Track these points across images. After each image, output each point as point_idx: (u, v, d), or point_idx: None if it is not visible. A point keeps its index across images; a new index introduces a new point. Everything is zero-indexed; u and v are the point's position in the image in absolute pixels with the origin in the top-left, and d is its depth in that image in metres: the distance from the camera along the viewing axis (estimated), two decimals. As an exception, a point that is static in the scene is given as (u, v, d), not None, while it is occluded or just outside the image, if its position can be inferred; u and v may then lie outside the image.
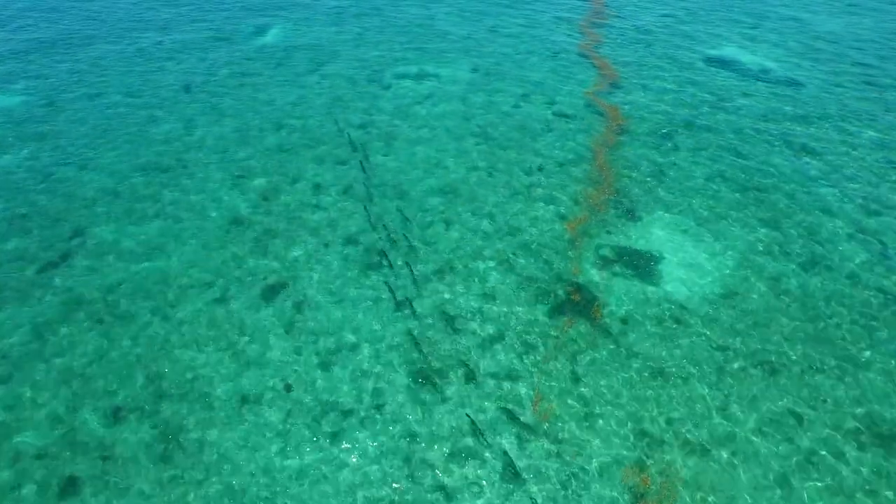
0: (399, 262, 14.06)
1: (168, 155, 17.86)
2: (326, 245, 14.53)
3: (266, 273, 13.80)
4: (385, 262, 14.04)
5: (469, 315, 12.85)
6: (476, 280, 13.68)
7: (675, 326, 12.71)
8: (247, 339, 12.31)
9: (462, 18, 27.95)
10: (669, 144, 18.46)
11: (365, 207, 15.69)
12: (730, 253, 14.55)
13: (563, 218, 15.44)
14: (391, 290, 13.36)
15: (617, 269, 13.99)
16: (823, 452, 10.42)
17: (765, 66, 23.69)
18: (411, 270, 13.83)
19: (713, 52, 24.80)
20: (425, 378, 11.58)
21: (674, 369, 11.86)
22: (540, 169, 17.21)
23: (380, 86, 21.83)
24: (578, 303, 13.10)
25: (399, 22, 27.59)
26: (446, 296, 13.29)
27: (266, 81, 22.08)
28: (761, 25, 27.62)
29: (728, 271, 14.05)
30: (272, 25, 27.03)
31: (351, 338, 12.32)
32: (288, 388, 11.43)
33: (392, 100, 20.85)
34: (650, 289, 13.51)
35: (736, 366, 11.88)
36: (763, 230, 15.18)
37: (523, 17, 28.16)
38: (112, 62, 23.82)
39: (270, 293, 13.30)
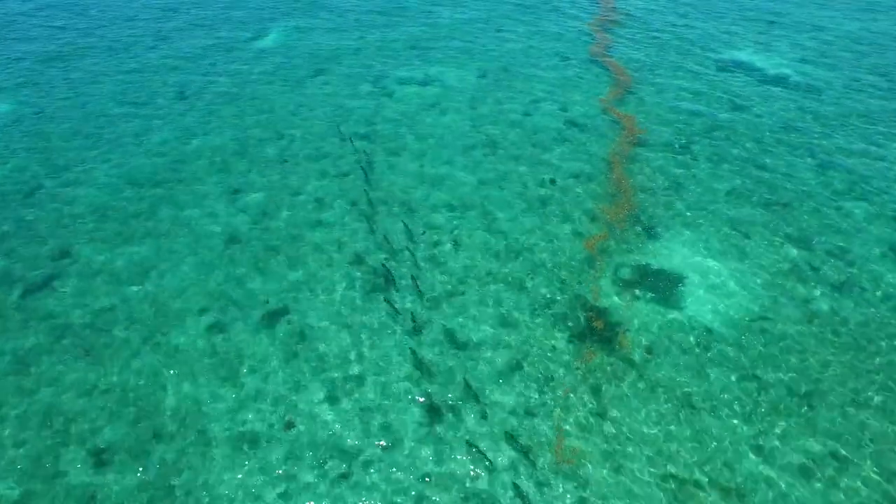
0: (406, 284, 13.23)
1: (162, 167, 17.02)
2: (330, 265, 13.69)
3: (266, 296, 12.97)
4: (392, 284, 13.21)
5: (482, 343, 12.02)
6: (489, 304, 12.86)
7: (702, 354, 11.89)
8: (245, 369, 11.48)
9: (467, 20, 27.11)
10: (688, 155, 17.64)
11: (370, 224, 14.87)
12: (756, 273, 13.73)
13: (579, 235, 14.62)
14: (399, 316, 12.53)
15: (638, 291, 13.17)
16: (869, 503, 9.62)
17: (781, 71, 22.87)
18: (420, 293, 13.00)
19: (727, 56, 23.98)
20: (436, 413, 10.76)
21: (703, 402, 11.05)
22: (553, 182, 16.38)
23: (383, 92, 21.00)
24: (600, 329, 12.28)
25: (402, 24, 26.75)
26: (457, 321, 12.47)
27: (265, 88, 21.24)
28: (775, 27, 26.80)
29: (755, 293, 13.24)
30: (271, 29, 26.19)
31: (356, 369, 11.49)
32: (290, 424, 10.60)
33: (396, 107, 20.01)
34: (674, 313, 12.69)
35: (769, 398, 11.07)
36: (790, 248, 14.36)
37: (530, 19, 27.33)
38: (107, 68, 22.96)
39: (270, 319, 12.47)
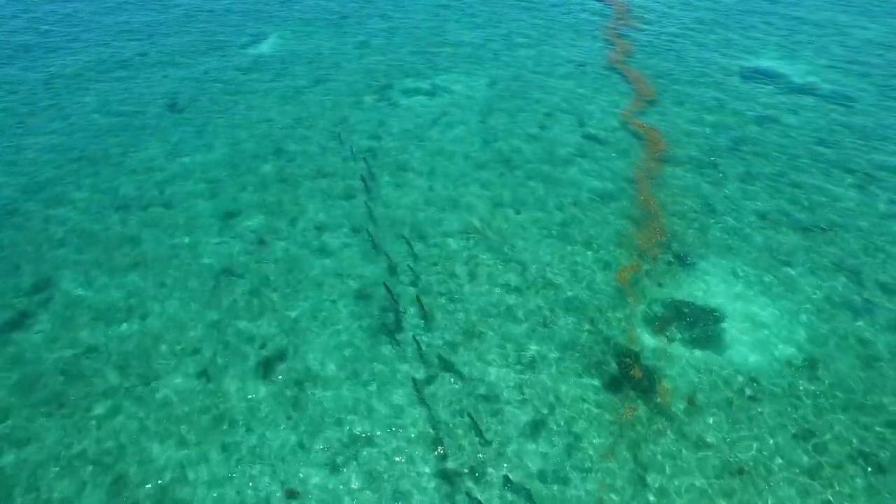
0: (418, 323, 11.97)
1: (150, 187, 15.71)
2: (332, 301, 12.41)
3: (261, 339, 11.69)
4: (401, 323, 11.95)
5: (503, 393, 10.76)
6: (509, 347, 11.60)
7: (749, 406, 10.64)
8: (239, 427, 10.21)
9: (474, 24, 25.78)
10: (717, 173, 16.37)
11: (376, 252, 13.58)
12: (802, 309, 12.48)
13: (605, 265, 13.36)
14: (409, 361, 11.27)
15: (674, 330, 11.92)
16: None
17: (809, 79, 21.59)
18: (432, 333, 11.74)
19: (750, 63, 22.69)
20: (455, 479, 9.51)
21: (754, 465, 9.81)
22: (574, 204, 15.11)
23: (388, 102, 19.69)
24: (634, 377, 11.03)
25: (406, 28, 25.42)
26: (475, 367, 11.20)
27: (262, 98, 19.92)
28: (798, 31, 25.51)
29: (803, 333, 11.99)
30: (269, 33, 24.84)
31: (364, 427, 10.22)
32: (291, 494, 9.34)
33: (402, 119, 18.71)
34: (715, 358, 11.43)
35: (829, 459, 9.83)
36: (837, 279, 13.11)
37: (541, 23, 26.01)
38: (92, 74, 21.62)
39: (267, 366, 11.19)
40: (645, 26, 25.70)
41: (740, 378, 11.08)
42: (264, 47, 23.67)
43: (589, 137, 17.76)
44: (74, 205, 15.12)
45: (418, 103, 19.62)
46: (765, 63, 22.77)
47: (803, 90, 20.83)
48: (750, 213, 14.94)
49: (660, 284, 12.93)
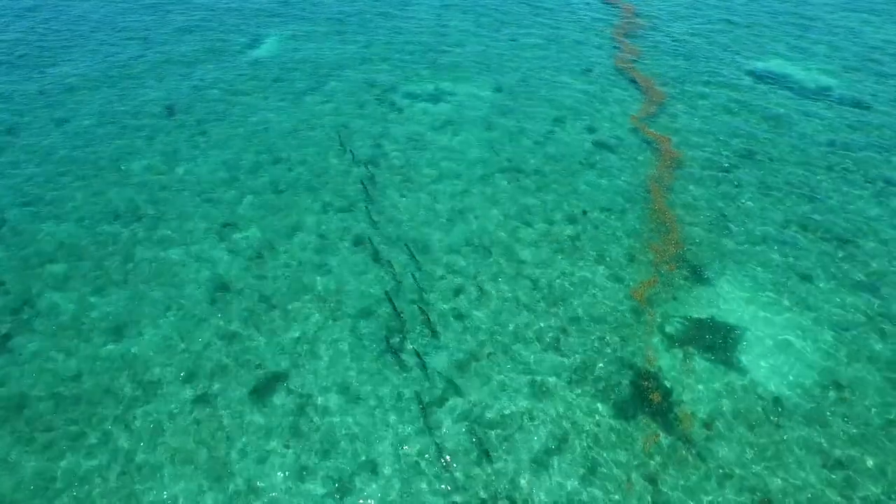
0: (424, 343, 11.40)
1: (144, 198, 15.13)
2: (334, 319, 11.85)
3: (259, 359, 11.13)
4: (407, 343, 11.38)
5: (514, 420, 10.21)
6: (520, 369, 11.04)
7: (773, 433, 10.09)
8: (235, 456, 9.65)
9: (478, 26, 25.20)
10: (732, 182, 15.81)
11: (379, 267, 13.02)
12: (825, 326, 11.93)
13: (618, 280, 12.80)
14: (415, 384, 10.71)
15: (693, 350, 11.36)
16: None
17: (821, 82, 21.03)
18: (439, 354, 11.17)
19: (761, 66, 22.13)
20: (465, 516, 8.96)
21: (782, 497, 9.26)
22: (585, 214, 14.55)
23: (391, 108, 19.12)
24: (654, 402, 10.47)
25: (408, 30, 24.84)
26: (483, 391, 10.64)
27: (260, 103, 19.34)
28: (809, 32, 24.95)
29: (825, 352, 11.44)
30: (267, 36, 24.25)
31: (369, 455, 9.66)
32: (288, 531, 8.79)
33: (406, 125, 18.13)
34: (736, 379, 10.88)
35: (862, 495, 9.28)
36: (860, 295, 12.56)
37: (546, 26, 25.43)
38: (85, 79, 21.01)
39: (265, 389, 10.63)
40: (652, 28, 25.12)
41: (762, 401, 10.53)
42: (263, 50, 23.09)
43: (599, 144, 17.19)
44: (64, 217, 14.53)
45: (422, 109, 19.05)
46: (776, 65, 22.21)
47: (817, 93, 20.27)
48: (767, 224, 14.38)
49: (676, 300, 12.37)
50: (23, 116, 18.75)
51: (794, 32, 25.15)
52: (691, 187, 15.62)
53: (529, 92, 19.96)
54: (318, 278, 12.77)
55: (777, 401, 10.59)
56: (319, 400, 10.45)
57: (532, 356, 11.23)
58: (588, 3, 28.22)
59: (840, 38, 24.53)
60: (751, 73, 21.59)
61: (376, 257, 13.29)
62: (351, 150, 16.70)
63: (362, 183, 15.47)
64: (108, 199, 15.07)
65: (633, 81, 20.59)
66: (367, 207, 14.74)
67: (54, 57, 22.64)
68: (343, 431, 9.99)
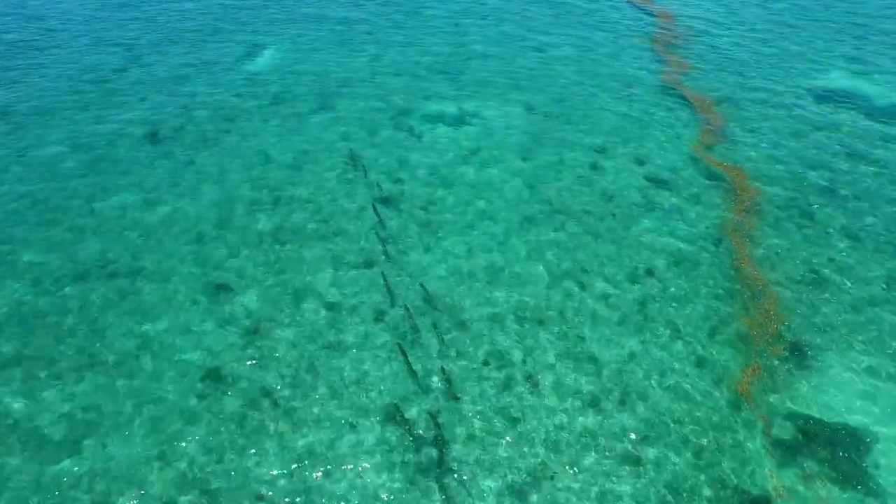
0: (470, 457, 8.96)
1: (119, 249, 12.61)
2: (353, 425, 9.37)
3: (259, 484, 8.66)
4: (447, 457, 8.94)
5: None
6: (594, 493, 8.60)
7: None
8: None
9: (501, 34, 22.66)
10: (815, 227, 13.38)
11: (407, 346, 10.54)
12: (967, 427, 9.54)
13: (703, 363, 10.36)
14: (461, 520, 8.28)
15: (808, 466, 8.94)
16: None
17: (893, 99, 18.62)
18: (490, 474, 8.72)
19: (820, 81, 19.68)
20: None
21: None
22: (650, 273, 12.11)
23: (409, 133, 16.60)
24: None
25: (423, 40, 22.28)
26: (551, 528, 8.22)
27: (257, 128, 16.79)
28: (866, 41, 22.49)
29: (975, 464, 9.05)
30: (266, 46, 21.65)
31: None
32: None
33: (427, 155, 15.62)
34: (872, 509, 8.48)
35: None
36: None
37: (574, 35, 22.91)
38: (59, 97, 18.43)
39: (266, 530, 8.18)
40: (693, 36, 22.64)
41: (911, 542, 8.14)
42: (260, 63, 20.52)
43: (653, 180, 14.71)
44: (20, 276, 11.98)
45: (444, 134, 16.53)
46: (838, 80, 19.75)
47: (891, 114, 17.84)
48: (870, 285, 11.96)
49: (774, 391, 9.95)
50: (-18, 143, 16.18)
51: (849, 41, 22.68)
52: (769, 234, 13.19)
53: (566, 113, 17.45)
54: (332, 365, 10.25)
55: (926, 539, 8.20)
56: (337, 546, 8.01)
57: (606, 474, 8.79)
58: (616, 6, 25.72)
59: (902, 48, 22.09)
60: (811, 90, 19.13)
61: (401, 332, 10.81)
62: (378, 184, 14.21)
63: (377, 234, 12.93)
64: (73, 252, 12.53)
65: (683, 100, 18.11)
66: (385, 261, 12.25)
67: (26, 68, 20.03)
68: None
